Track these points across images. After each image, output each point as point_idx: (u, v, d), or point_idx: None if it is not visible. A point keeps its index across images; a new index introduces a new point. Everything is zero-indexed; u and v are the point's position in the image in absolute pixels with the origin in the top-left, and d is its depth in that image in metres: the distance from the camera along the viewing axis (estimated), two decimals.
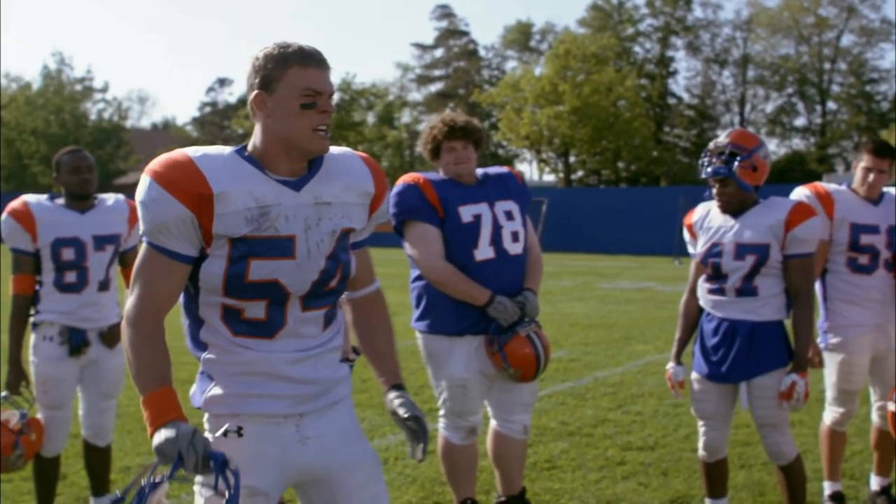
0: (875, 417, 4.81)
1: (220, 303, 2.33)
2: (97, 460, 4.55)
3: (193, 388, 2.44)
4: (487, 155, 51.22)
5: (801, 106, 55.21)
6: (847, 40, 53.26)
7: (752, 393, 4.10)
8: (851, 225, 4.52)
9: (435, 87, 62.30)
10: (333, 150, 2.45)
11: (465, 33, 63.27)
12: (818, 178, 35.92)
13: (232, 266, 2.27)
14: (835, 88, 54.26)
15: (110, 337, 4.42)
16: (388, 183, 2.58)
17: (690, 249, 4.33)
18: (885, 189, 4.65)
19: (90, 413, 4.49)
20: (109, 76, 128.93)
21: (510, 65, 61.20)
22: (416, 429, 2.52)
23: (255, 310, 2.33)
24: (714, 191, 4.12)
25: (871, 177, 4.53)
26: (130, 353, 2.27)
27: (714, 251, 4.14)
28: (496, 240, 4.24)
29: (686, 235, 4.37)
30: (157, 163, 2.28)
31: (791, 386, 3.96)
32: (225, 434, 2.32)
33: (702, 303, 4.26)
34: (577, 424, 6.59)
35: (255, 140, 2.35)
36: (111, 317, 4.45)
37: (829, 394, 4.68)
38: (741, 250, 4.06)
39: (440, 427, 4.38)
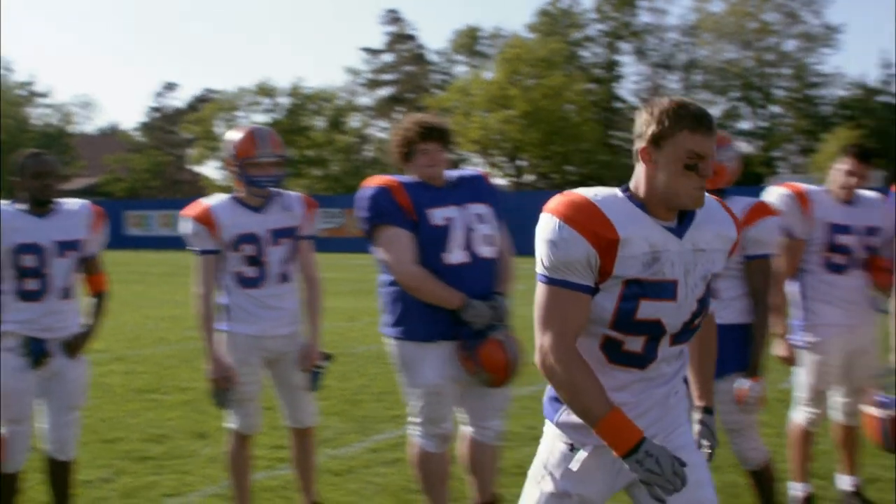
0: (839, 415, 4.83)
1: (602, 333, 2.56)
2: (61, 475, 4.39)
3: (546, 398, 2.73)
4: None
5: (745, 110, 56.01)
6: (790, 45, 54.15)
7: (715, 397, 4.07)
8: (828, 225, 4.54)
9: (384, 92, 62.18)
10: None
11: (414, 38, 63.29)
12: (763, 181, 36.39)
13: (623, 303, 2.50)
14: (778, 93, 55.13)
15: (73, 346, 4.27)
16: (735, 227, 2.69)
17: None
18: (856, 191, 4.68)
19: (55, 426, 4.32)
20: (53, 81, 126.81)
21: (459, 69, 61.29)
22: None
23: (634, 344, 2.56)
24: None
25: (850, 180, 4.57)
26: (570, 387, 2.47)
27: None
28: (468, 243, 4.20)
29: None
30: (560, 204, 2.48)
31: (742, 390, 3.96)
32: (571, 449, 2.64)
33: None
34: (544, 428, 6.53)
35: (637, 183, 2.54)
36: (73, 326, 4.31)
37: (803, 394, 4.68)
38: None
39: (414, 435, 4.31)
